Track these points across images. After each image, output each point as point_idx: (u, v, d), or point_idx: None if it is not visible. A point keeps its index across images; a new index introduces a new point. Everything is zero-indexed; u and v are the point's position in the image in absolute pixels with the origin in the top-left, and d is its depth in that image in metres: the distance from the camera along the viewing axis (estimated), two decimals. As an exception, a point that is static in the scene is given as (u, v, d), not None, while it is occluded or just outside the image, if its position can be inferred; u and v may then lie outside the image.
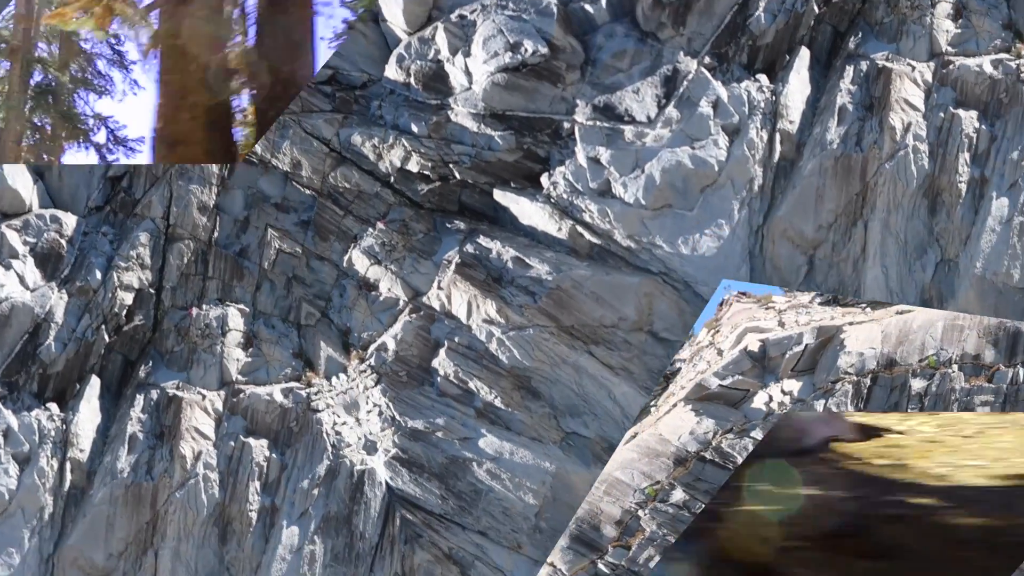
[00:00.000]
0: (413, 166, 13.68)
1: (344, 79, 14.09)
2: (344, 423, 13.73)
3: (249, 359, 13.74)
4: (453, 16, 13.57)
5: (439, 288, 13.37)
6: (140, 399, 13.57)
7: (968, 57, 12.56)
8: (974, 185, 12.31)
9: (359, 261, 13.72)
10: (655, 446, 12.49)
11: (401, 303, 13.50)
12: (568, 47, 13.37)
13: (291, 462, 13.59)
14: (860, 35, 13.23)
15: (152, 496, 13.32)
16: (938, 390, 11.57)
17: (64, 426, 13.26)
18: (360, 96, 14.01)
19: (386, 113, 13.90)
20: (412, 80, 13.76)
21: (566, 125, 13.44)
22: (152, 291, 13.93)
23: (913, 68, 12.67)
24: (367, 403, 13.47)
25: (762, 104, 12.96)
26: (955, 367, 11.31)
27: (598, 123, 13.40)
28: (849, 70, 12.89)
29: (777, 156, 12.83)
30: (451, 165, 13.59)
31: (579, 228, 13.23)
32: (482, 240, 13.40)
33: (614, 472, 12.63)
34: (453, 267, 13.25)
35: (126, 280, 13.84)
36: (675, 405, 12.93)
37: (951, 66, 12.57)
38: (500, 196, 13.52)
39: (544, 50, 13.21)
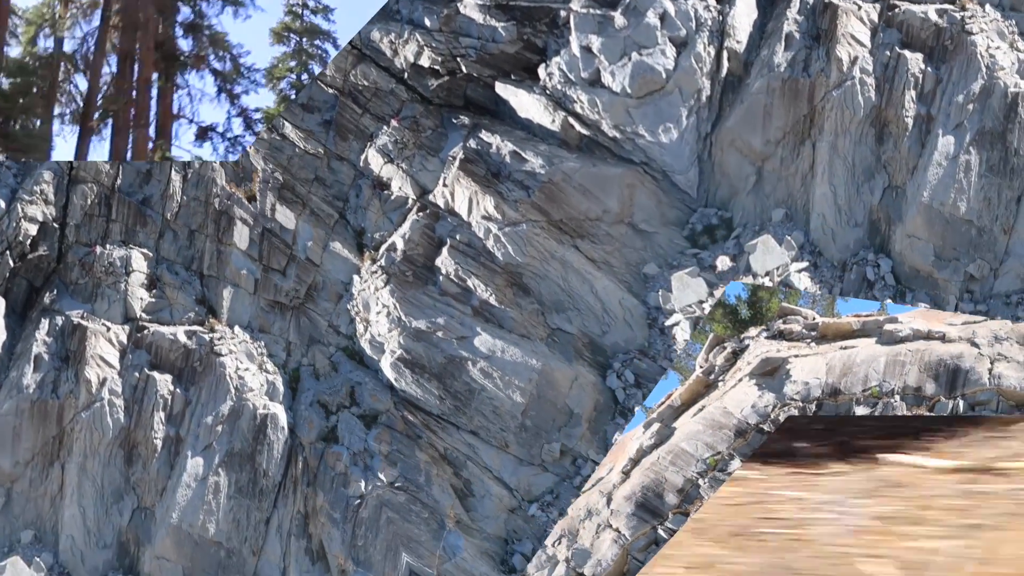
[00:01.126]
0: (425, 61, 14.49)
1: None
2: (247, 369, 14.89)
3: (153, 300, 14.98)
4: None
5: (444, 185, 14.22)
6: (45, 323, 14.74)
7: (913, 4, 13.61)
8: (920, 121, 13.35)
9: (374, 160, 14.68)
10: (719, 418, 12.89)
11: (410, 202, 14.49)
12: None
13: (195, 399, 14.70)
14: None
15: (58, 413, 14.45)
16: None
17: (-31, 339, 14.85)
18: None
19: (403, 8, 14.80)
20: None
21: (563, 14, 14.15)
22: (56, 226, 15.12)
23: (859, 7, 13.62)
24: (376, 304, 14.52)
25: (709, 22, 14.15)
26: (897, 397, 11.98)
27: (591, 10, 14.08)
28: (795, 0, 13.83)
29: (724, 71, 14.08)
30: (458, 59, 14.37)
31: (570, 120, 13.91)
32: (484, 135, 14.11)
33: (680, 443, 13.16)
34: (457, 163, 14.05)
35: (30, 212, 15.01)
36: (741, 380, 13.49)
37: (896, 9, 13.56)
38: (501, 89, 14.30)
39: None
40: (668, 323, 14.18)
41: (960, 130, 13.28)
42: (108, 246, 15.01)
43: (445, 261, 14.21)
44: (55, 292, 14.86)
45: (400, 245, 14.44)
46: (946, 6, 13.61)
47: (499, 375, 14.15)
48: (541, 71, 14.26)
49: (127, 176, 15.44)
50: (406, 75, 14.73)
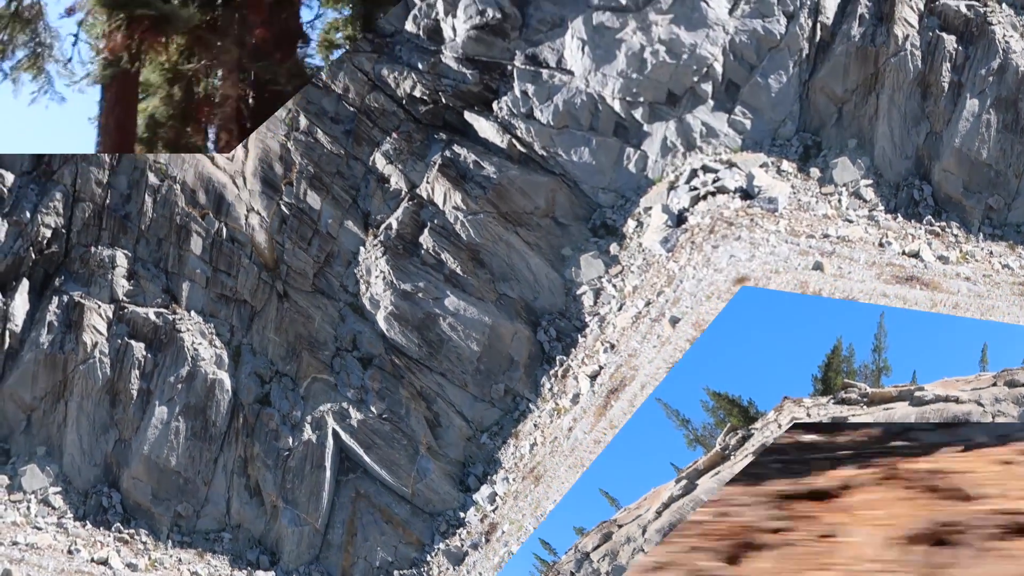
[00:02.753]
0: (417, 92, 17.87)
1: (380, 29, 18.62)
2: (200, 343, 16.65)
3: (131, 287, 17.26)
4: (447, -14, 17.87)
5: (427, 183, 17.38)
6: (56, 299, 17.02)
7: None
8: (954, 86, 15.82)
9: (380, 161, 17.82)
10: (727, 479, 13.63)
11: (403, 193, 17.62)
12: (513, 14, 17.56)
13: (162, 362, 16.82)
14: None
15: (64, 364, 16.84)
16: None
17: (4, 307, 16.93)
18: (389, 42, 18.44)
19: (403, 55, 18.22)
20: (420, 32, 18.16)
21: (509, 68, 17.49)
22: (64, 231, 17.47)
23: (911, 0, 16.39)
24: (375, 270, 17.00)
25: (808, 2, 16.78)
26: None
27: (527, 67, 17.35)
28: (867, -8, 16.63)
29: (818, 38, 16.77)
30: (440, 93, 17.84)
31: (514, 141, 17.21)
32: (456, 148, 17.56)
33: (699, 494, 14.03)
34: (436, 167, 17.43)
35: (46, 220, 17.35)
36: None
37: (937, 2, 16.27)
38: (469, 116, 17.77)
39: (499, 15, 17.44)
40: (578, 292, 16.98)
41: (983, 96, 15.52)
42: (100, 247, 17.47)
43: (426, 239, 17.16)
44: (63, 278, 17.33)
45: (395, 226, 17.31)
46: (973, 2, 16.10)
47: (462, 329, 16.53)
48: (495, 105, 17.48)
49: (114, 197, 17.90)
50: (404, 101, 18.00)
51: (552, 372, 16.52)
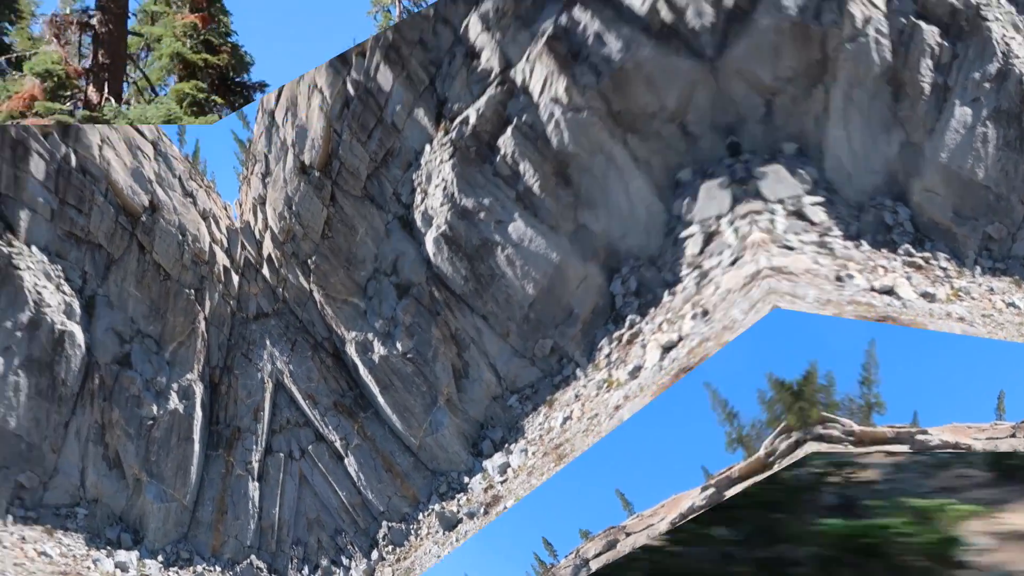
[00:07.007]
0: None
1: None
2: (45, 287, 15.24)
3: None
4: None
5: (526, 60, 13.50)
6: None
7: (929, -21, 13.84)
8: (937, 89, 13.44)
9: (473, 27, 14.08)
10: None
11: (492, 75, 13.80)
12: None
13: None
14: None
15: None
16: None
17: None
18: None
19: None
20: None
21: None
22: None
23: (874, -28, 13.63)
24: (437, 177, 14.22)
25: None
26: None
27: None
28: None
29: (732, 2, 13.49)
30: None
31: (658, 4, 13.04)
32: (576, 11, 13.37)
33: None
34: (544, 39, 13.35)
35: None
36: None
37: None
38: None
39: None
40: (683, 234, 13.71)
41: (977, 104, 13.50)
42: None
43: (506, 141, 14.05)
44: None
45: (472, 119, 14.21)
46: (960, -13, 13.79)
47: (520, 263, 14.28)
48: None
49: None
50: None
51: (616, 335, 13.94)
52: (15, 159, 15.64)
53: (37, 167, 15.65)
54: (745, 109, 13.53)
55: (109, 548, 15.24)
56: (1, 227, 15.62)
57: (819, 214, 13.15)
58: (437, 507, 15.22)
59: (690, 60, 13.47)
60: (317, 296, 16.88)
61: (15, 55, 21.44)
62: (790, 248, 12.93)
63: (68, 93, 20.20)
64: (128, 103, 21.62)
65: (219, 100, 21.53)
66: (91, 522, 15.34)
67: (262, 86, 22.89)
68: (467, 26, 14.50)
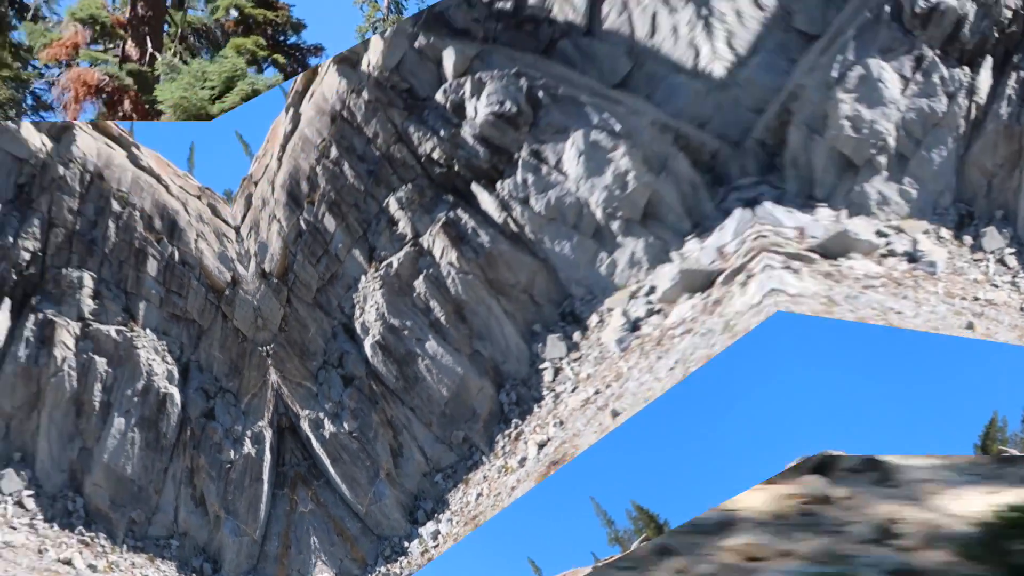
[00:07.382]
0: (436, 155, 18.99)
1: (415, 92, 19.41)
2: (154, 359, 17.47)
3: (95, 306, 18.20)
4: (475, 76, 18.99)
5: (430, 235, 18.53)
6: (32, 317, 17.81)
7: None
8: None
9: (392, 204, 18.85)
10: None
11: (407, 238, 18.69)
12: (527, 112, 18.61)
13: (120, 376, 17.74)
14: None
15: (38, 377, 17.59)
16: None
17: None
18: (420, 103, 19.32)
19: (430, 119, 19.15)
20: (447, 104, 19.19)
21: (516, 155, 18.63)
22: (40, 254, 18.29)
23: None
24: (371, 300, 18.16)
25: (966, 84, 17.09)
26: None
27: (531, 159, 18.48)
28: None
29: (973, 116, 17.21)
30: (455, 160, 19.00)
31: (509, 219, 18.79)
32: (459, 212, 18.65)
33: None
34: (440, 224, 18.44)
35: (26, 245, 18.18)
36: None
37: None
38: (475, 188, 18.98)
39: (515, 109, 18.62)
40: (540, 366, 17.77)
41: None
42: (70, 269, 18.38)
43: (420, 284, 18.23)
44: (39, 298, 18.23)
45: (395, 265, 18.36)
46: None
47: (436, 372, 17.47)
48: (498, 184, 18.44)
49: (82, 223, 18.83)
50: (423, 159, 19.02)
51: (507, 432, 17.19)
52: (137, 264, 18.33)
53: (152, 267, 18.36)
54: (976, 188, 17.09)
55: (194, 575, 16.78)
56: (126, 317, 18.03)
57: (1012, 261, 16.46)
58: (383, 569, 16.48)
59: (531, 257, 18.26)
60: (274, 377, 18.83)
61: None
62: (995, 286, 15.87)
63: (112, 45, 19.04)
64: (179, 56, 19.94)
65: (280, 59, 19.65)
66: (181, 552, 16.98)
67: (318, 49, 20.79)
68: (387, 204, 18.76)
